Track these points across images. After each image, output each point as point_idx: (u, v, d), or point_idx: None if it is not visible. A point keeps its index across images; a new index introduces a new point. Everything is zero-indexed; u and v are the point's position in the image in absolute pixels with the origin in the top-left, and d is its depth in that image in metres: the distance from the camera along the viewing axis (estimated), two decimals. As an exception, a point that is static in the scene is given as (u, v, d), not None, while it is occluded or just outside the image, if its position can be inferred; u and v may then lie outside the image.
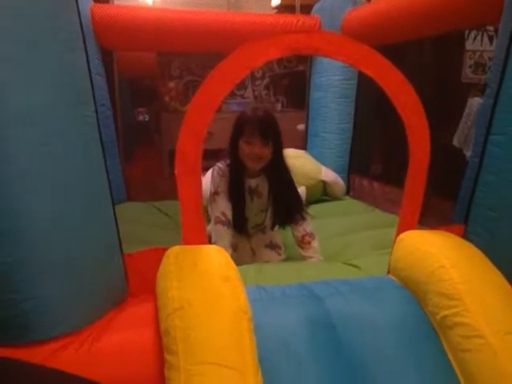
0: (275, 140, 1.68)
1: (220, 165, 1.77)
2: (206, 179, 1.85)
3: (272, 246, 1.88)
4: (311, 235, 1.79)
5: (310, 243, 1.78)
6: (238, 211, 1.74)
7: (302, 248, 1.79)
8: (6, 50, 0.86)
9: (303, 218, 1.80)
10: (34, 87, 0.91)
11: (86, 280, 1.04)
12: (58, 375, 0.92)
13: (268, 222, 1.88)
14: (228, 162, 1.76)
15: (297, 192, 1.83)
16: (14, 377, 0.88)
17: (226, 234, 1.69)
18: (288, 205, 1.79)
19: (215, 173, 1.77)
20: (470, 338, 1.03)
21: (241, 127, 1.67)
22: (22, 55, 0.89)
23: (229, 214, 1.71)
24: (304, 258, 1.78)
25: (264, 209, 1.83)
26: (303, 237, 1.79)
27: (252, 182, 1.77)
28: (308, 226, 1.80)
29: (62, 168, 0.97)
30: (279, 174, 1.75)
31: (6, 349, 0.96)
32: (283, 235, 2.00)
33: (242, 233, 1.81)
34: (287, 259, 1.90)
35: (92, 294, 1.07)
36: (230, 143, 1.72)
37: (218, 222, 1.70)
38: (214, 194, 1.74)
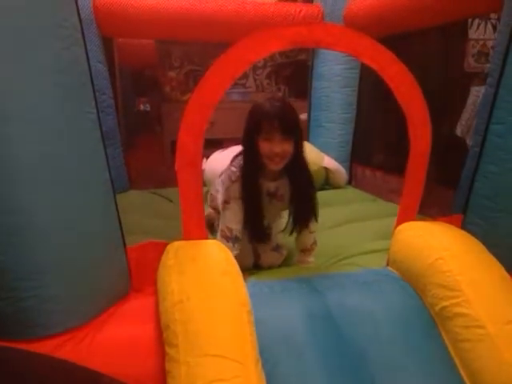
0: (297, 135, 1.44)
1: (233, 168, 1.51)
2: (210, 165, 1.74)
3: (277, 249, 1.73)
4: (316, 243, 1.68)
5: (313, 250, 1.68)
6: (255, 220, 1.52)
7: (304, 253, 1.68)
8: (7, 49, 0.86)
9: (315, 221, 1.62)
10: (34, 85, 0.90)
11: (87, 278, 1.05)
12: (62, 364, 0.93)
13: (287, 227, 1.62)
14: (241, 162, 1.51)
15: (315, 191, 1.62)
16: (17, 366, 0.89)
17: (230, 249, 1.40)
18: (309, 205, 1.58)
19: (226, 178, 1.52)
20: (470, 329, 1.03)
21: (258, 122, 1.42)
22: (22, 53, 0.88)
23: (236, 228, 1.50)
24: (301, 261, 1.69)
25: (283, 210, 1.66)
26: (311, 245, 1.66)
27: (271, 186, 1.54)
28: (315, 233, 1.66)
29: (63, 165, 0.97)
30: (301, 173, 1.52)
31: (7, 344, 0.96)
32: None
33: (264, 241, 1.59)
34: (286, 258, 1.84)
35: (93, 292, 1.07)
36: (245, 142, 1.48)
37: (222, 235, 1.52)
38: (225, 202, 1.51)
